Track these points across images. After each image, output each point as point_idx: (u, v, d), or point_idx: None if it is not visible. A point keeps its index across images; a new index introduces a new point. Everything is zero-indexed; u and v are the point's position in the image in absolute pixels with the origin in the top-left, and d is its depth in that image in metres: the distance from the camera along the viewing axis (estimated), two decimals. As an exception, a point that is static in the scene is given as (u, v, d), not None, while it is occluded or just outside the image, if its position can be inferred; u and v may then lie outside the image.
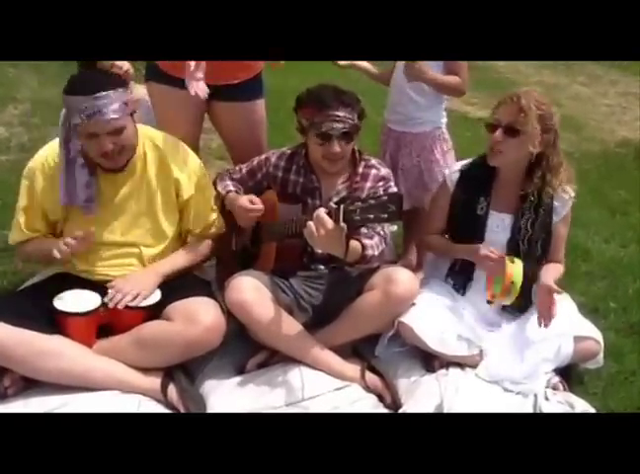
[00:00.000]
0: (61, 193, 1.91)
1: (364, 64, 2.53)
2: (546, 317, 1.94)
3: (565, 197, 2.06)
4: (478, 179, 2.08)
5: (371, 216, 1.67)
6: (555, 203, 2.05)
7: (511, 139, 1.95)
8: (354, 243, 1.86)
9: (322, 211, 1.71)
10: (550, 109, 1.98)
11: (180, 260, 2.06)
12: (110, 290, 1.91)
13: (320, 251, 1.99)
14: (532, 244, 2.04)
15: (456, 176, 2.12)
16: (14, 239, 2.04)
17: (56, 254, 1.86)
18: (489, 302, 2.02)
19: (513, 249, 2.04)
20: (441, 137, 2.44)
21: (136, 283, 1.92)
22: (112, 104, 1.82)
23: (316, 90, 2.02)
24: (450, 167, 2.22)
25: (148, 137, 2.02)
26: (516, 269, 1.90)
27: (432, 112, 2.41)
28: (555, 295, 1.93)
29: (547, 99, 2.00)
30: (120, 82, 1.89)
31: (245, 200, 2.05)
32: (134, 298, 1.89)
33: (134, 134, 1.94)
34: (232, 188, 2.16)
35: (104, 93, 1.81)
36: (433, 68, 2.28)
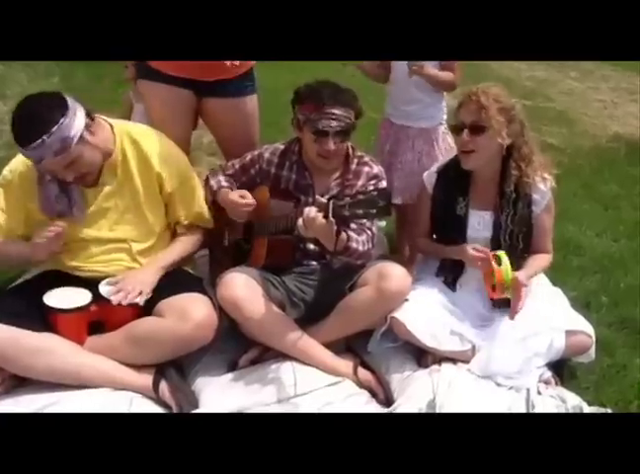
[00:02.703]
0: (40, 203, 1.91)
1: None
2: (513, 309, 1.96)
3: (543, 187, 2.07)
4: (455, 179, 2.10)
5: (360, 212, 1.67)
6: (534, 196, 2.06)
7: (478, 137, 1.97)
8: (341, 234, 1.85)
9: (312, 208, 1.72)
10: (509, 100, 2.01)
11: (177, 251, 2.07)
12: (110, 288, 1.90)
13: (312, 246, 2.04)
14: (514, 238, 2.06)
15: (434, 178, 2.13)
16: None
17: (37, 256, 1.84)
18: (496, 303, 2.03)
19: (496, 245, 2.05)
20: (444, 133, 2.44)
21: (138, 281, 1.91)
22: (52, 146, 1.76)
23: (315, 86, 2.00)
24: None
25: (126, 133, 1.98)
26: (504, 269, 1.92)
27: (434, 108, 2.41)
28: (524, 289, 1.96)
29: (504, 91, 2.03)
30: (59, 113, 1.76)
31: (235, 195, 2.05)
32: (137, 296, 1.86)
33: (93, 155, 1.88)
34: (224, 183, 2.15)
35: (39, 141, 1.74)
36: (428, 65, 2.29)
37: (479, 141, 1.98)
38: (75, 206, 1.92)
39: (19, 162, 1.95)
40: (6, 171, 1.97)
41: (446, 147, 2.43)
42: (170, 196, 2.04)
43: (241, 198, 2.03)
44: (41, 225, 1.92)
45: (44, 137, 1.75)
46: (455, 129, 2.02)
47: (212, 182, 2.16)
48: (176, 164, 2.04)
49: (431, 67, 2.27)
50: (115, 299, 1.86)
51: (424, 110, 2.39)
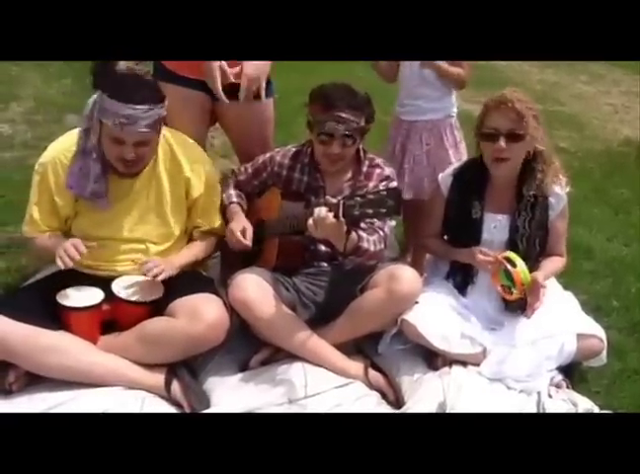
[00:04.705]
0: (70, 179, 1.90)
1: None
2: (530, 308, 1.95)
3: (559, 192, 2.07)
4: (471, 182, 2.09)
5: (370, 211, 1.68)
6: (550, 199, 2.06)
7: (515, 144, 1.96)
8: (352, 234, 1.86)
9: (323, 208, 1.73)
10: (535, 106, 2.01)
11: (193, 253, 2.09)
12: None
13: (323, 247, 2.06)
14: (530, 243, 2.05)
15: (450, 180, 2.13)
16: (26, 232, 2.03)
17: (60, 264, 1.84)
18: (510, 305, 2.03)
19: (511, 249, 2.04)
20: (453, 126, 2.44)
21: (163, 262, 1.93)
22: (149, 118, 1.81)
23: (327, 88, 2.01)
24: (461, 158, 2.23)
25: (162, 134, 2.00)
26: (520, 271, 1.90)
27: (441, 101, 2.41)
28: (542, 289, 1.94)
29: (528, 96, 2.03)
30: (161, 97, 1.87)
31: (237, 228, 2.03)
32: (161, 273, 1.88)
33: (156, 147, 1.95)
34: (234, 199, 2.18)
35: (145, 106, 1.80)
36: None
37: (515, 149, 1.96)
38: (108, 193, 1.93)
39: (50, 155, 1.96)
40: (38, 165, 1.97)
41: (456, 141, 2.43)
42: (195, 201, 2.06)
43: (240, 234, 2.01)
44: (65, 217, 1.96)
45: (153, 105, 1.82)
46: (489, 137, 1.98)
47: (223, 195, 2.18)
48: (205, 171, 2.07)
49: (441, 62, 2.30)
50: (142, 269, 1.87)
51: (430, 103, 2.39)
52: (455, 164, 2.22)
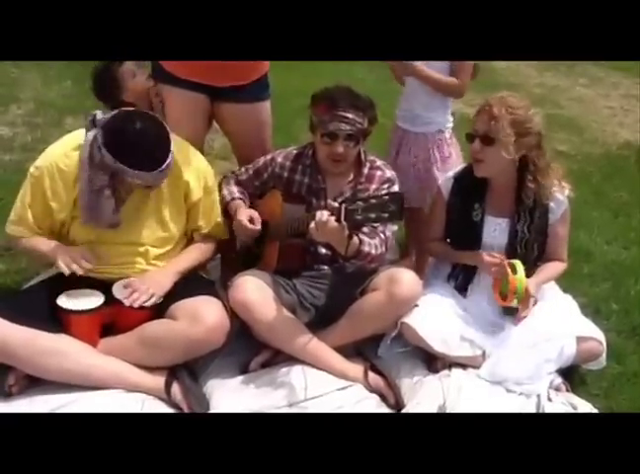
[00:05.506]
0: (85, 214, 1.88)
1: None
2: (517, 317, 1.98)
3: (560, 197, 2.07)
4: (472, 186, 2.10)
5: (373, 216, 1.68)
6: (551, 204, 2.06)
7: (488, 148, 1.98)
8: (353, 238, 1.86)
9: (324, 212, 1.74)
10: (526, 112, 1.97)
11: (193, 257, 2.09)
12: (123, 290, 1.91)
13: (323, 250, 2.06)
14: (530, 247, 2.06)
15: (450, 183, 2.14)
16: (12, 230, 1.99)
17: (63, 268, 1.83)
18: (505, 310, 2.04)
19: (511, 253, 2.06)
20: (445, 141, 2.42)
21: (152, 284, 1.92)
22: (164, 175, 1.85)
23: (330, 89, 2.03)
24: (447, 173, 2.23)
25: None
26: (518, 278, 1.92)
27: (437, 113, 2.40)
28: (531, 298, 1.98)
29: (523, 102, 2.00)
30: (168, 152, 1.84)
31: (244, 216, 2.05)
32: (149, 299, 1.88)
33: None
34: (237, 195, 2.18)
35: (159, 170, 1.81)
36: (438, 68, 2.30)
37: (488, 152, 1.98)
38: (119, 216, 1.93)
39: (48, 160, 1.94)
40: (33, 168, 1.95)
41: (444, 156, 2.41)
42: (194, 205, 2.06)
43: (249, 222, 2.03)
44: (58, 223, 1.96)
45: (165, 165, 1.82)
46: (469, 137, 2.03)
47: (225, 191, 2.19)
48: (204, 175, 2.07)
49: (425, 67, 2.29)
50: (127, 302, 1.87)
51: (425, 113, 2.39)
52: (456, 168, 2.22)
